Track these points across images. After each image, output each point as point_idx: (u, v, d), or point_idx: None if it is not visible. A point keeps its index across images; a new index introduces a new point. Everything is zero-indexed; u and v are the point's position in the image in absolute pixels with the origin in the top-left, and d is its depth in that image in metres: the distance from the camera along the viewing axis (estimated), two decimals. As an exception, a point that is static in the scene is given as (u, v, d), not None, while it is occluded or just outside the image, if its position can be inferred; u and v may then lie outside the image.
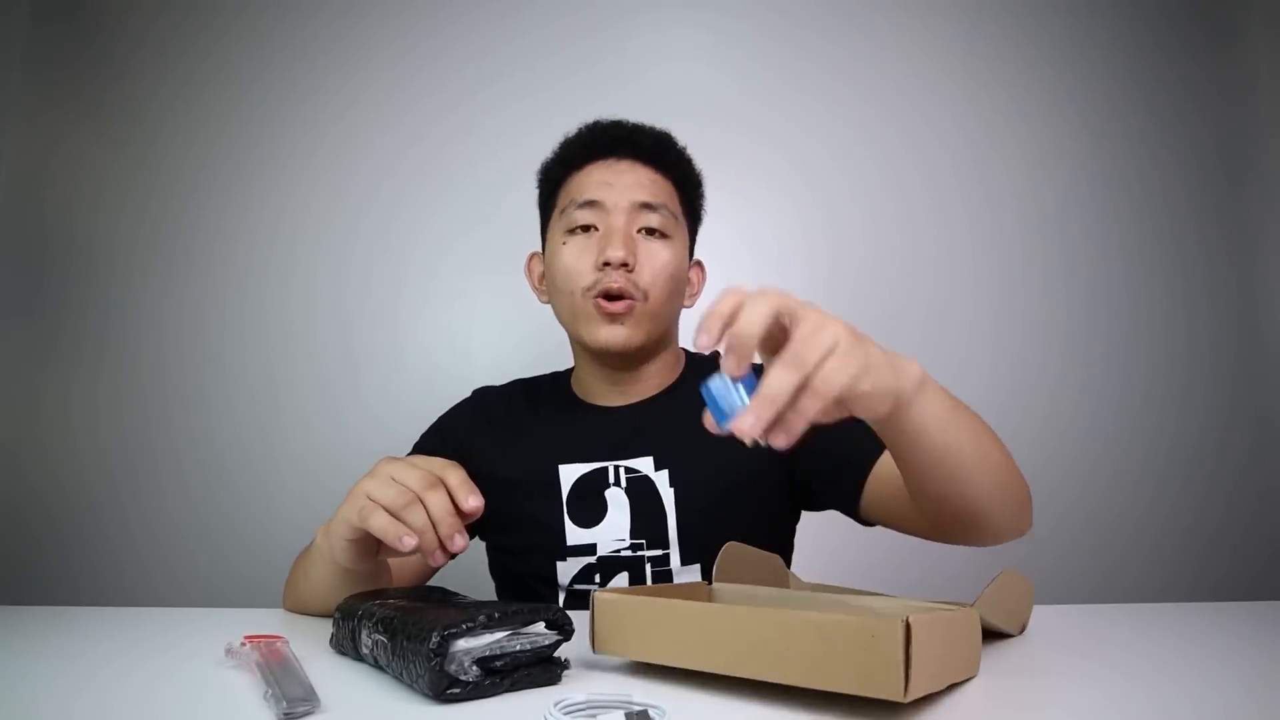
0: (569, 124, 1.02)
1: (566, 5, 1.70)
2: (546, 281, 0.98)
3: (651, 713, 0.43)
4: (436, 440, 1.01)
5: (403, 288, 1.65)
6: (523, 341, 1.59)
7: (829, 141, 1.67)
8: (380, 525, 0.62)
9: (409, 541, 0.62)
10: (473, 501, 0.64)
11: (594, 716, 0.43)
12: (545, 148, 1.04)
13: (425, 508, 0.63)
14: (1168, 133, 1.69)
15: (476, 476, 0.68)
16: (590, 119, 1.00)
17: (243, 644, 0.57)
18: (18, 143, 1.66)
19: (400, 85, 1.68)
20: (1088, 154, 1.68)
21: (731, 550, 0.68)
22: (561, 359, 1.06)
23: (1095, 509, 1.59)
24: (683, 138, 1.00)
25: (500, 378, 1.11)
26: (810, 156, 1.67)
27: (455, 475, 0.65)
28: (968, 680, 0.51)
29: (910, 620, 0.41)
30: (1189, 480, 1.60)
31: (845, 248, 1.63)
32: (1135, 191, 1.68)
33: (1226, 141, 1.69)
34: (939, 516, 0.71)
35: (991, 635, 0.65)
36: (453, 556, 0.65)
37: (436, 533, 0.63)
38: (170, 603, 0.81)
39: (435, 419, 1.05)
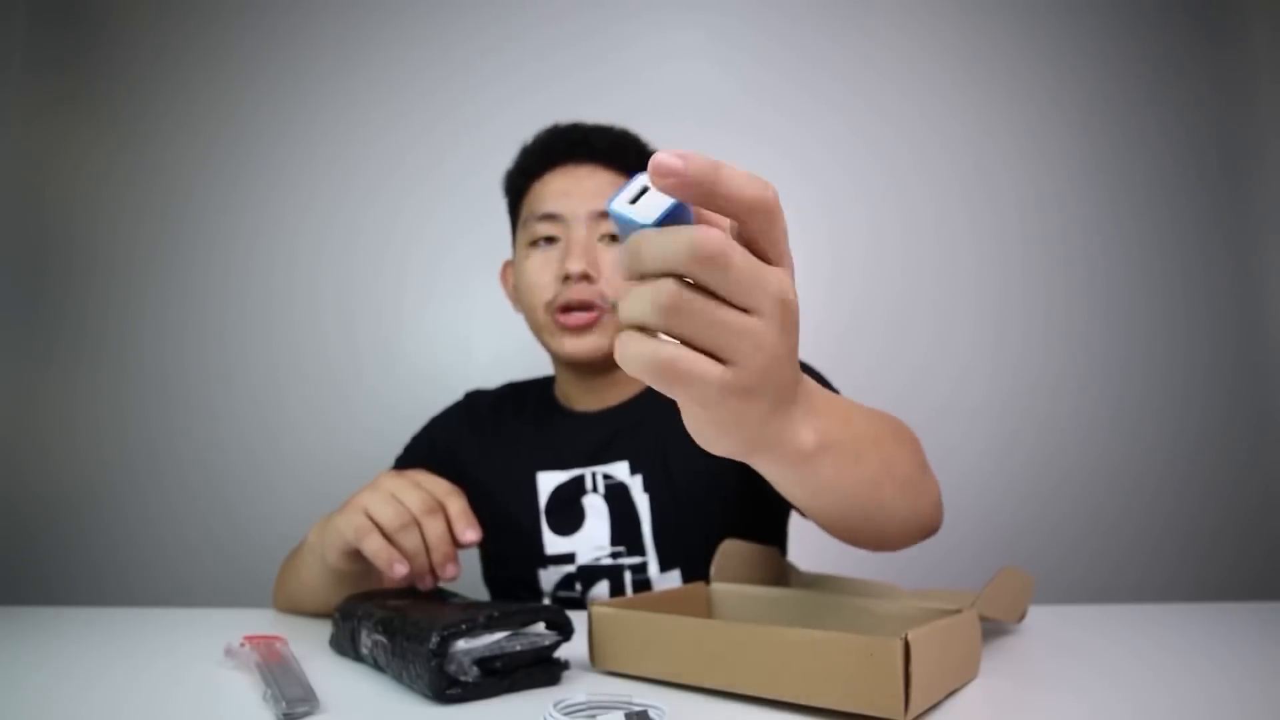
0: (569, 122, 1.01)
1: (567, 5, 1.70)
2: (515, 293, 0.98)
3: (651, 713, 0.43)
4: (425, 445, 1.01)
5: (404, 287, 1.65)
6: (524, 342, 1.59)
7: (830, 141, 1.67)
8: (373, 549, 0.62)
9: (400, 570, 0.61)
10: (470, 535, 0.64)
11: (594, 717, 0.43)
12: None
13: (422, 532, 0.62)
14: (1168, 132, 1.69)
15: (463, 482, 0.68)
16: (589, 119, 1.00)
17: (242, 644, 0.57)
18: (17, 143, 1.66)
19: (399, 86, 1.68)
20: (1088, 153, 1.68)
21: (729, 548, 0.68)
22: (561, 359, 1.06)
23: (1097, 509, 1.59)
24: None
25: (501, 378, 1.12)
26: (811, 156, 1.66)
27: (456, 504, 0.65)
28: (968, 682, 0.51)
29: (909, 638, 0.41)
30: (1191, 480, 1.60)
31: (847, 248, 1.63)
32: (1135, 191, 1.68)
33: (1226, 141, 1.68)
34: (843, 537, 0.62)
35: (991, 631, 0.65)
36: (439, 592, 0.64)
37: (429, 557, 0.63)
38: (170, 602, 0.81)
39: (426, 422, 1.05)
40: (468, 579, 1.04)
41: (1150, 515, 1.59)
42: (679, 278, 0.33)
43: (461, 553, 0.67)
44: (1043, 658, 0.59)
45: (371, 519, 0.62)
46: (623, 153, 0.95)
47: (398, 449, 1.04)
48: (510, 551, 0.91)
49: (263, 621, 0.75)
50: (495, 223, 1.65)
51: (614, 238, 0.89)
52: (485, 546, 0.96)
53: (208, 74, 1.68)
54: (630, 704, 0.44)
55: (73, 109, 1.67)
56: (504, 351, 1.61)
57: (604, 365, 0.93)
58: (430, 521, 0.62)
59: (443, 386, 1.10)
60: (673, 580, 0.86)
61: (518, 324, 1.64)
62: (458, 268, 1.65)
